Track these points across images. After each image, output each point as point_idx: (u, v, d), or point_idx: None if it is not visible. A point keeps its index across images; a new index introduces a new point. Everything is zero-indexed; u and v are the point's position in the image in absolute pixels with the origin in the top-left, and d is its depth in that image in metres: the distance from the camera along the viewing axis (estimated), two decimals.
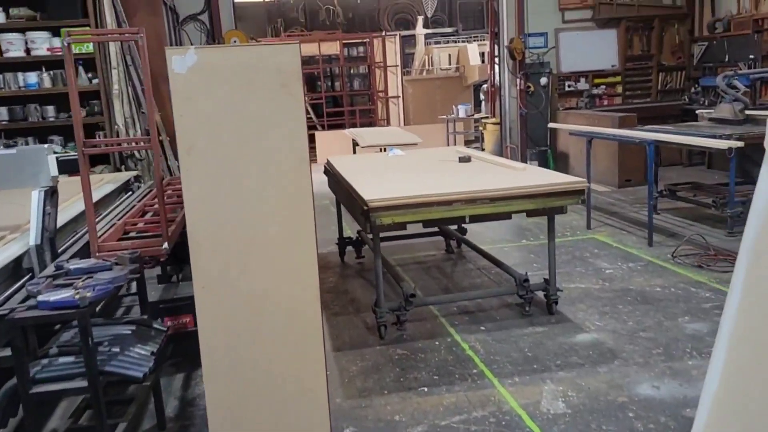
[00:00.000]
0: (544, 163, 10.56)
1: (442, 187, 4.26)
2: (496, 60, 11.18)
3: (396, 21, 18.24)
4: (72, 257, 3.24)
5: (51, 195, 3.27)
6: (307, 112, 15.76)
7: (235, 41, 9.39)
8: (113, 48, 7.03)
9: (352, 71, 17.73)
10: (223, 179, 2.53)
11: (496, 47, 11.11)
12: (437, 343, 4.34)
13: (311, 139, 14.40)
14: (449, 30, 17.92)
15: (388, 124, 15.14)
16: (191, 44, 9.48)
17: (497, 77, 11.06)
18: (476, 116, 11.70)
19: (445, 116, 12.02)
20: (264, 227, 2.63)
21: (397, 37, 14.11)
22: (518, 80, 10.60)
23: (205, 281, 2.55)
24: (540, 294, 4.77)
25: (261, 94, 2.49)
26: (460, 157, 5.44)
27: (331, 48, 15.79)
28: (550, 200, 4.25)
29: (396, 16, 18.19)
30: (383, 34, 14.59)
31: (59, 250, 3.41)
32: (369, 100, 15.73)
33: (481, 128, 11.48)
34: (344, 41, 15.21)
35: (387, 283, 5.45)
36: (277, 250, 2.67)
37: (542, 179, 4.44)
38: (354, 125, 15.16)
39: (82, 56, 7.26)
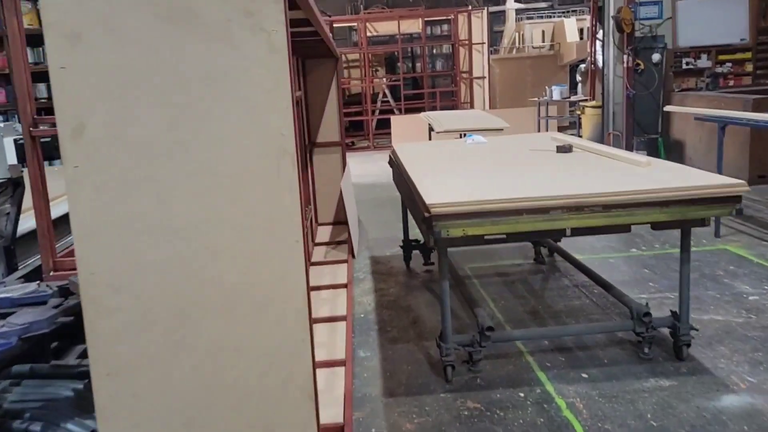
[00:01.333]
0: (654, 153, 9.04)
1: (535, 189, 3.14)
2: (598, 36, 9.70)
3: None
4: (27, 275, 2.40)
5: (7, 189, 2.44)
6: (384, 96, 14.85)
7: None
8: None
9: (435, 51, 16.57)
10: (140, 188, 1.47)
11: (597, 21, 9.63)
12: (522, 395, 3.25)
13: (386, 123, 13.44)
14: (543, 5, 16.33)
15: (472, 107, 13.89)
16: None
17: (599, 54, 9.60)
18: (572, 99, 10.30)
19: (536, 99, 10.68)
20: (214, 278, 1.54)
21: (485, 12, 12.82)
22: (625, 57, 9.11)
23: (109, 369, 1.47)
24: (664, 329, 3.57)
25: (207, 32, 1.46)
26: (558, 146, 4.27)
27: (413, 26, 14.69)
28: (690, 209, 3.03)
29: None
30: (469, 9, 13.32)
31: (20, 264, 2.59)
32: (452, 81, 14.53)
33: (578, 112, 10.07)
34: (426, 18, 14.05)
35: (459, 303, 4.38)
36: (242, 321, 1.57)
37: (678, 179, 3.21)
38: (434, 109, 14.03)
39: None
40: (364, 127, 13.98)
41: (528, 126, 11.00)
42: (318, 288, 4.65)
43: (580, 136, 10.21)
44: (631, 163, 3.70)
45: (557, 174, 3.59)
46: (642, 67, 9.11)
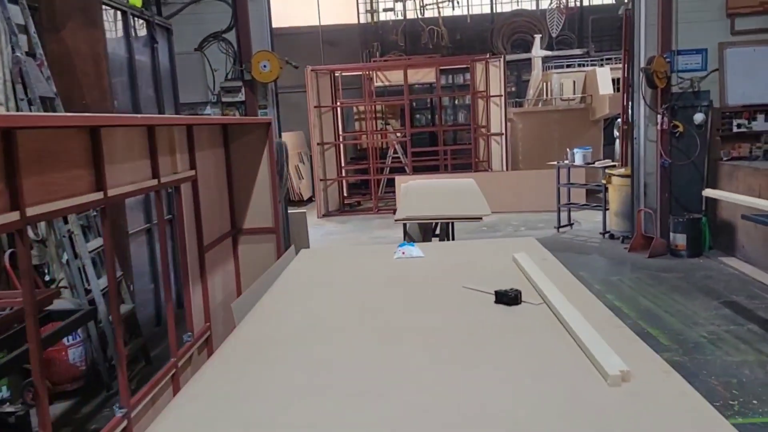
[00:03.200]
0: (696, 239, 7.22)
1: None
2: (632, 89, 8.03)
3: (513, 42, 15.42)
4: None
5: None
6: (395, 151, 13.46)
7: (264, 66, 7.22)
8: None
9: (457, 102, 15.17)
10: None
11: (630, 70, 7.98)
12: None
13: (390, 182, 11.97)
14: (578, 52, 14.74)
15: (490, 167, 12.30)
16: (212, 69, 7.47)
17: (632, 111, 7.91)
18: (598, 164, 8.60)
19: (555, 163, 9.05)
20: None
21: (502, 61, 11.34)
22: (659, 117, 7.40)
23: None
24: None
25: None
26: (497, 293, 2.64)
27: (430, 75, 13.34)
28: None
29: (513, 36, 15.37)
30: (486, 57, 11.87)
31: None
32: (455, 139, 13.03)
33: (603, 181, 8.35)
34: (441, 67, 12.67)
35: None
36: None
37: None
38: (447, 168, 12.50)
39: None
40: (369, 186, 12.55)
41: (550, 192, 9.31)
42: None
43: (607, 209, 8.45)
44: (594, 364, 2.00)
45: (441, 383, 1.94)
46: (681, 129, 7.37)
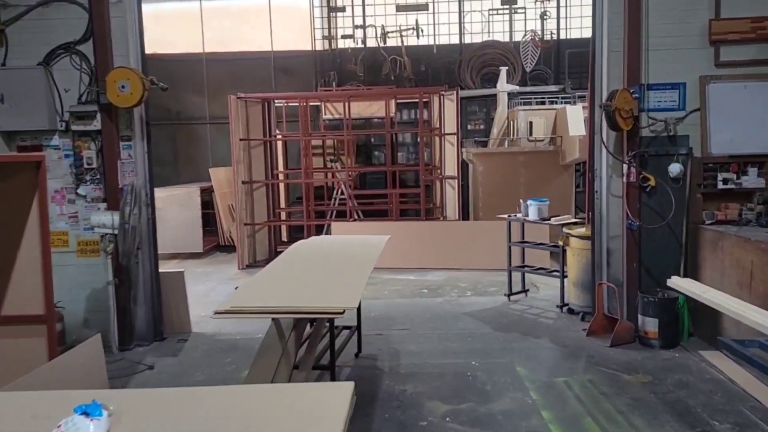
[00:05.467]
0: (672, 323, 5.61)
1: None
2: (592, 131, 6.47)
3: (483, 76, 13.99)
4: None
5: None
6: (341, 193, 11.90)
7: (123, 87, 5.66)
8: None
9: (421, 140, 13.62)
10: None
11: (592, 108, 6.45)
12: None
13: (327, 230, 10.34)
14: (554, 88, 13.29)
15: (443, 215, 10.71)
16: (58, 90, 5.90)
17: (592, 159, 6.34)
18: (554, 220, 7.00)
19: (506, 216, 7.46)
20: None
21: (456, 94, 9.85)
22: (625, 167, 5.84)
23: None
24: None
25: None
26: None
27: (384, 109, 11.82)
28: None
29: (483, 70, 13.95)
30: (440, 90, 10.35)
31: None
32: (417, 179, 11.46)
33: (560, 242, 6.74)
34: (390, 99, 11.15)
35: None
36: None
37: None
38: (399, 214, 10.90)
39: None
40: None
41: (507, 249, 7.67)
42: None
43: (566, 277, 6.82)
44: None
45: None
46: (652, 183, 5.80)
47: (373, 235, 9.33)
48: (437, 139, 10.82)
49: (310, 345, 4.17)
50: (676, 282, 4.57)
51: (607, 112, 5.63)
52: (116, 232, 5.55)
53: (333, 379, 4.38)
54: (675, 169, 5.79)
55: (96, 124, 5.90)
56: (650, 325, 5.62)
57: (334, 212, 11.28)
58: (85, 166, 6.01)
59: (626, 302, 5.93)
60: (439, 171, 10.79)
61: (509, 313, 6.97)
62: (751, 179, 5.71)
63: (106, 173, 5.97)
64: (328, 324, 4.34)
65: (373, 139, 13.51)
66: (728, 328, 5.24)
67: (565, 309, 6.88)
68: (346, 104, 10.18)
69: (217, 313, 3.41)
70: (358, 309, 5.58)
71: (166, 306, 6.42)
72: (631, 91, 5.71)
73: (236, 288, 4.38)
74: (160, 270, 6.44)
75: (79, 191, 6.04)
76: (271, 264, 4.72)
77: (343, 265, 4.51)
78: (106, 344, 5.87)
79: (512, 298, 7.49)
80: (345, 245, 5.60)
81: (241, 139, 9.78)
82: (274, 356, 4.13)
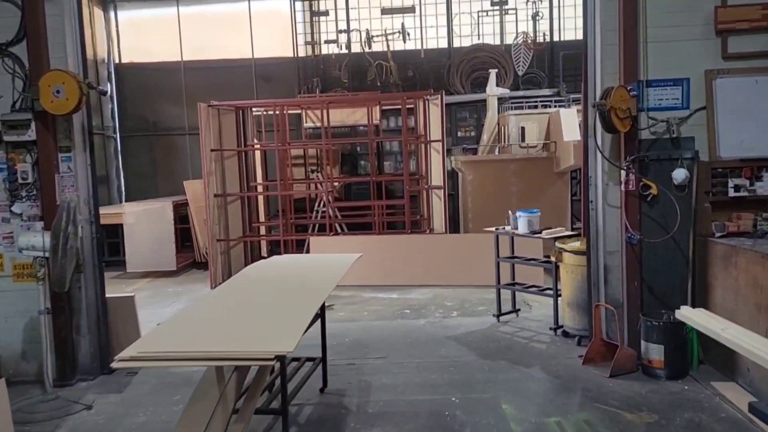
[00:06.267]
0: (680, 349, 4.95)
1: None
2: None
3: (473, 81, 13.39)
4: None
5: None
6: (323, 204, 11.26)
7: (58, 92, 5.03)
8: None
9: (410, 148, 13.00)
10: None
11: (585, 108, 5.81)
12: None
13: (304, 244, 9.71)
14: (548, 92, 12.67)
15: (430, 227, 10.06)
16: None
17: (587, 165, 5.70)
18: (546, 233, 6.35)
19: (493, 229, 6.81)
20: None
21: (441, 98, 9.23)
22: (623, 174, 5.20)
23: None
24: None
25: None
26: None
27: (369, 116, 11.19)
28: None
29: (473, 74, 13.34)
30: (428, 95, 9.73)
31: None
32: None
33: (553, 258, 6.09)
34: (373, 105, 10.52)
35: None
36: None
37: None
38: (385, 227, 10.26)
39: None
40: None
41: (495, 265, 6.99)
42: None
43: (560, 296, 6.17)
44: None
45: None
46: (654, 192, 5.16)
47: (350, 253, 8.71)
48: (423, 146, 10.19)
49: (252, 390, 3.51)
50: (687, 314, 3.92)
51: (601, 111, 4.99)
52: (47, 254, 4.90)
53: (285, 426, 3.72)
54: (679, 174, 5.14)
55: (31, 134, 5.26)
56: (655, 352, 4.96)
57: (317, 226, 10.64)
58: (20, 180, 5.37)
59: (627, 326, 5.27)
60: (425, 181, 10.15)
61: (497, 336, 6.31)
62: (767, 185, 5.07)
63: (43, 188, 5.31)
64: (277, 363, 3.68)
65: (359, 148, 12.90)
66: (745, 359, 4.58)
67: (559, 332, 6.21)
68: (325, 111, 9.55)
69: (120, 360, 2.75)
70: (323, 337, 4.93)
71: (115, 335, 5.75)
72: (629, 88, 5.09)
73: (158, 324, 3.71)
74: (108, 295, 5.78)
75: (13, 209, 5.40)
76: (213, 291, 4.07)
77: (293, 295, 3.86)
78: (40, 380, 5.27)
79: (501, 319, 6.83)
80: (304, 267, 4.95)
81: (212, 150, 9.16)
82: (210, 403, 3.48)
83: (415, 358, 5.70)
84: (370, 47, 13.36)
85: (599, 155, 5.32)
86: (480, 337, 6.29)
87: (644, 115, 5.20)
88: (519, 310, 7.03)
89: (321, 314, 4.85)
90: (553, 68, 13.57)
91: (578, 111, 9.94)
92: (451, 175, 11.98)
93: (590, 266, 5.51)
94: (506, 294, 7.02)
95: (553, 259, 6.13)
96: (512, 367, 5.38)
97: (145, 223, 9.95)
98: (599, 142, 5.21)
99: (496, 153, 10.82)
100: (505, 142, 10.61)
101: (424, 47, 13.63)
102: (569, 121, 9.62)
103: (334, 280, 4.20)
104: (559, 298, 6.23)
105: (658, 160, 5.20)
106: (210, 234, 9.04)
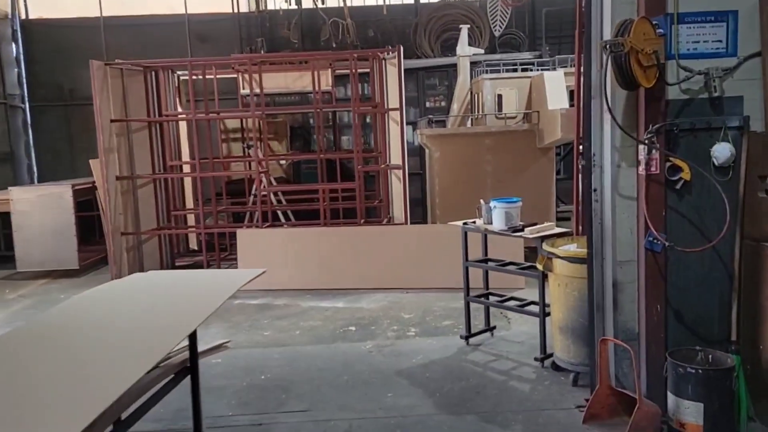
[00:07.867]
0: (726, 407, 3.32)
1: None
2: (589, 93, 4.14)
3: (443, 42, 11.63)
4: None
5: None
6: (264, 189, 9.39)
7: None
8: None
9: (368, 120, 11.28)
10: None
11: (588, 59, 4.12)
12: None
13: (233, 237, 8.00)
14: (528, 56, 10.98)
15: (388, 216, 8.39)
16: None
17: (589, 137, 4.02)
18: (529, 232, 4.71)
19: (459, 223, 5.15)
20: None
21: (398, 56, 7.48)
22: (643, 150, 3.55)
23: None
24: None
25: None
26: None
27: (320, 81, 9.38)
28: None
29: (443, 35, 11.58)
30: (385, 54, 7.97)
31: None
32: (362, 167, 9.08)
33: (539, 266, 4.48)
34: (327, 69, 8.74)
35: None
36: None
37: None
38: (337, 218, 8.57)
39: None
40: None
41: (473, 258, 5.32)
42: None
43: (548, 315, 4.56)
44: None
45: None
46: (685, 176, 3.54)
47: (280, 252, 7.05)
48: (380, 117, 8.46)
49: None
50: None
51: (616, 55, 3.31)
52: None
53: None
54: (722, 151, 3.53)
55: None
56: (690, 412, 3.37)
57: (255, 215, 8.88)
58: None
59: (646, 368, 3.69)
60: (384, 158, 8.45)
61: (466, 370, 4.69)
62: None
63: None
64: None
65: (311, 121, 11.13)
66: None
67: (547, 363, 4.63)
68: (259, 74, 7.75)
69: None
70: (196, 410, 3.26)
71: None
72: (654, 22, 3.43)
73: None
74: None
75: None
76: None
77: (113, 352, 2.18)
78: None
79: (471, 341, 5.22)
80: (162, 296, 3.24)
81: (112, 120, 7.32)
82: None
83: (349, 411, 4.07)
84: (324, 2, 11.51)
85: (607, 124, 3.66)
86: (442, 371, 4.67)
87: (673, 64, 3.55)
88: (494, 328, 5.42)
89: (191, 367, 3.19)
90: (534, 28, 11.88)
91: (566, 75, 8.30)
92: (419, 152, 10.31)
93: (592, 282, 3.89)
94: (476, 308, 5.42)
95: (539, 266, 4.50)
96: (483, 428, 3.77)
97: (39, 212, 8.12)
98: (610, 104, 3.55)
99: (469, 125, 9.14)
100: (478, 111, 8.91)
101: (387, 2, 11.77)
102: (555, 86, 7.96)
103: (193, 322, 2.52)
104: (548, 317, 4.63)
105: (692, 130, 3.57)
106: (110, 226, 7.25)
